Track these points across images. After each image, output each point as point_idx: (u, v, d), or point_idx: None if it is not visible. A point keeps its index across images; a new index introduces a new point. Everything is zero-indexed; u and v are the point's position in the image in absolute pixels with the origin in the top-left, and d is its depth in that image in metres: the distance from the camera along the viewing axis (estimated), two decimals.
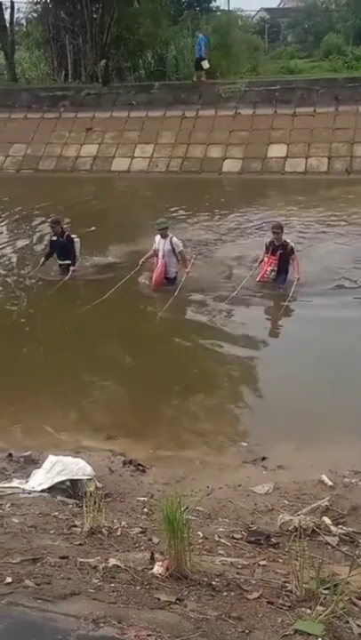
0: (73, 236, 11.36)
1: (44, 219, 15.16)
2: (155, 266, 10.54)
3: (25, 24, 28.85)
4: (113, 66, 24.03)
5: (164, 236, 10.42)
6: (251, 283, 10.24)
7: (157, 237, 10.51)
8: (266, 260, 10.23)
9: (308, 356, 8.31)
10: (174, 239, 10.50)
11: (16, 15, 26.96)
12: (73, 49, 24.63)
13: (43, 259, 11.46)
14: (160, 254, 10.40)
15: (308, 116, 19.34)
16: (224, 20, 28.73)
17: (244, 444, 6.42)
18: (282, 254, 10.12)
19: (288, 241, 10.35)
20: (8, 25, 26.26)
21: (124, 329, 9.61)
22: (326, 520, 4.60)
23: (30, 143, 20.98)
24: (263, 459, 5.98)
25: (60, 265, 11.25)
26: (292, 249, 10.21)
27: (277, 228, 10.29)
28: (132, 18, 24.66)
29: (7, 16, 26.16)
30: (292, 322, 9.70)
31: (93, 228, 14.09)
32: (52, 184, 18.90)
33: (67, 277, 10.89)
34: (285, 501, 5.14)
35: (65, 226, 12.02)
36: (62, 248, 11.16)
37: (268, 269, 10.21)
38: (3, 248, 13.62)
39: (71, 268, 11.01)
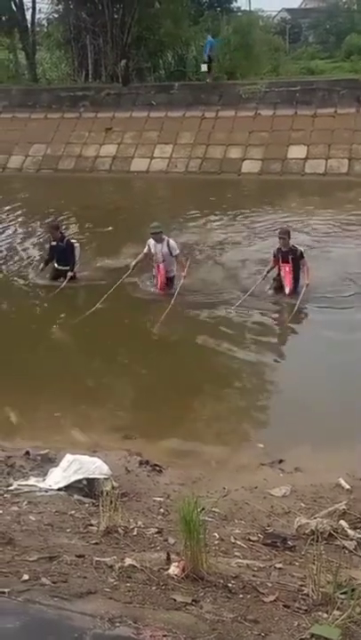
0: (73, 240, 11.26)
1: (64, 221, 15.26)
2: (154, 271, 10.39)
3: (46, 24, 29.03)
4: (133, 66, 24.11)
5: (159, 241, 10.20)
6: (261, 289, 9.96)
7: (151, 242, 10.27)
8: (288, 269, 9.80)
9: (324, 361, 8.26)
10: (171, 242, 10.30)
11: (37, 16, 27.16)
12: (93, 49, 24.75)
13: (42, 264, 11.32)
14: (159, 258, 10.22)
15: (328, 117, 19.25)
16: (245, 21, 28.66)
17: (261, 446, 6.40)
18: (293, 259, 9.80)
19: (296, 245, 10.03)
20: (29, 25, 26.47)
21: (129, 335, 9.51)
22: (344, 524, 4.56)
23: (50, 143, 21.11)
24: (280, 461, 5.95)
25: (58, 270, 11.01)
26: (301, 253, 9.87)
27: (284, 234, 9.92)
28: (153, 18, 24.72)
29: (29, 16, 26.44)
30: (305, 327, 9.50)
31: (110, 229, 14.12)
32: (71, 184, 18.98)
33: (64, 283, 10.66)
34: (302, 504, 5.11)
35: (65, 230, 11.88)
36: (62, 253, 10.97)
37: (291, 277, 9.79)
38: (15, 249, 13.58)
39: (69, 273, 10.78)
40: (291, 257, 9.78)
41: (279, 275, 9.98)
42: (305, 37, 43.21)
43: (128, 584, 3.32)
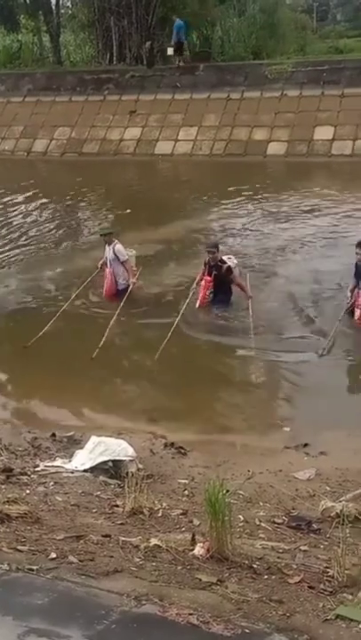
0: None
1: (84, 204, 15.36)
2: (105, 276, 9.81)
3: (70, 6, 28.85)
4: (158, 47, 23.85)
5: (108, 244, 9.70)
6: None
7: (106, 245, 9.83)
8: (203, 283, 9.16)
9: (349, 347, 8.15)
10: (117, 247, 9.65)
11: None
12: (118, 31, 24.53)
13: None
14: (107, 263, 9.70)
15: (357, 97, 18.80)
16: None
17: (287, 430, 6.39)
18: (216, 275, 9.05)
19: (225, 260, 9.22)
20: (54, 7, 26.34)
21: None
22: None
23: (74, 127, 21.07)
24: (305, 445, 5.94)
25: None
26: (228, 269, 9.09)
27: (212, 247, 9.27)
28: None
29: None
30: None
31: (128, 211, 14.12)
32: (96, 167, 18.98)
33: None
34: (327, 488, 5.11)
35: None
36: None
37: (207, 292, 9.15)
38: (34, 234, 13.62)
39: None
40: (214, 272, 9.06)
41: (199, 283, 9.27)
42: (333, 15, 42.40)
43: (154, 563, 3.37)
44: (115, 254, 9.64)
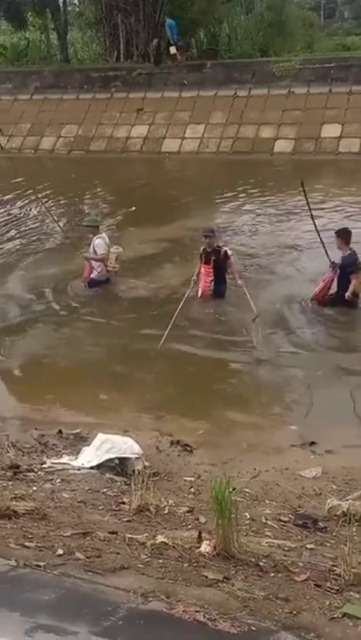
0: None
1: (90, 201, 15.39)
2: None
3: (78, 3, 28.81)
4: (165, 45, 23.81)
5: (93, 235, 10.04)
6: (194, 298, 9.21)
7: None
8: (203, 270, 9.19)
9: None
10: (97, 241, 9.90)
11: None
12: (125, 28, 24.50)
13: None
14: (89, 253, 10.05)
15: None
16: None
17: (293, 428, 6.39)
18: (215, 261, 9.13)
19: (221, 245, 9.37)
20: (61, 5, 26.30)
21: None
22: None
23: (82, 124, 21.07)
24: (312, 443, 5.94)
25: None
26: (226, 254, 9.18)
27: (209, 232, 9.30)
28: None
29: None
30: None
31: (133, 209, 14.13)
32: (103, 165, 18.97)
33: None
34: (334, 486, 5.10)
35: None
36: None
37: (208, 280, 9.21)
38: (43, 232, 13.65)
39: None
40: (213, 258, 9.15)
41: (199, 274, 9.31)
42: (340, 13, 42.25)
43: (160, 561, 3.38)
44: (94, 248, 9.90)
